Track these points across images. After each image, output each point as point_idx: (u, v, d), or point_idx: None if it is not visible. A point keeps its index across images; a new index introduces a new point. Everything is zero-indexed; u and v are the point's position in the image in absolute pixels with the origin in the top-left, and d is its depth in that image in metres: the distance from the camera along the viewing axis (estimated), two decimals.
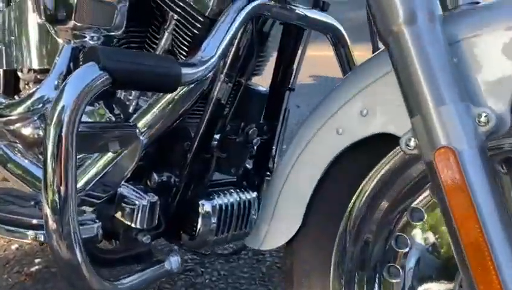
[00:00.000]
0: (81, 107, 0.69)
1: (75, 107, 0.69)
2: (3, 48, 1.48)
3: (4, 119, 1.24)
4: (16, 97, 1.44)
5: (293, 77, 1.09)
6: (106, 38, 1.02)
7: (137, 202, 0.94)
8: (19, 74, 1.56)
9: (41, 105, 1.24)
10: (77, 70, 0.71)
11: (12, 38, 1.51)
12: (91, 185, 0.93)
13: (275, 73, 1.09)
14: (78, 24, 0.99)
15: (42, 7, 1.09)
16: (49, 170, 0.69)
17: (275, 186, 0.82)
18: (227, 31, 0.86)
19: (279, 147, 1.14)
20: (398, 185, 0.77)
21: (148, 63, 0.75)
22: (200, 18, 0.95)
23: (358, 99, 0.74)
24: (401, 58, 0.65)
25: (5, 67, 1.50)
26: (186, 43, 1.00)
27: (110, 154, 0.94)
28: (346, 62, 1.14)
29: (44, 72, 1.48)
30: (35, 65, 1.45)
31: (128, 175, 0.92)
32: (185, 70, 0.79)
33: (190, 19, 0.96)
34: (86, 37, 1.02)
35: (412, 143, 0.67)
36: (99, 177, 0.93)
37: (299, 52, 1.08)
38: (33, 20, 1.44)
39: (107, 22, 1.00)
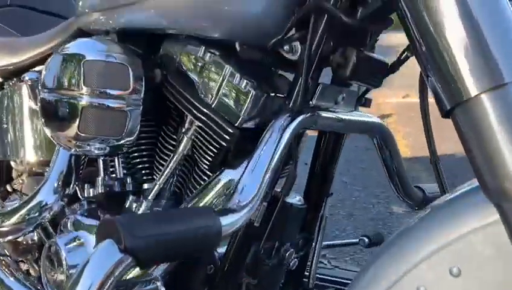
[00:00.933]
0: None
1: None
2: None
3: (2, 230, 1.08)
4: (10, 197, 1.27)
5: (331, 182, 0.94)
6: (114, 148, 0.87)
7: None
8: (12, 163, 1.41)
9: (37, 213, 1.08)
10: (94, 254, 0.56)
11: (5, 126, 1.36)
12: None
13: (310, 181, 0.94)
14: (82, 135, 0.83)
15: (40, 105, 0.94)
16: None
17: None
18: (270, 161, 0.71)
19: (315, 259, 0.98)
20: None
21: (179, 226, 0.59)
22: (228, 128, 0.80)
23: (447, 253, 0.58)
24: None
25: None
26: (211, 153, 0.85)
27: None
28: (393, 168, 0.98)
29: (40, 164, 1.32)
30: (30, 157, 1.30)
31: None
32: (225, 221, 0.65)
33: (216, 128, 0.81)
34: (90, 148, 0.86)
35: None
36: None
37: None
38: (28, 107, 1.30)
39: (117, 132, 0.84)
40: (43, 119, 0.93)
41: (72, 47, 0.90)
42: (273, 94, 0.83)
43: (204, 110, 0.85)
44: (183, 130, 0.93)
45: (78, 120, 0.85)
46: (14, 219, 1.07)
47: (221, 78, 0.84)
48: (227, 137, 0.83)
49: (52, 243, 0.97)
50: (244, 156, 0.84)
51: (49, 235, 1.16)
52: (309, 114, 0.78)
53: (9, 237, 1.08)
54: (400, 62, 0.83)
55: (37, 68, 1.30)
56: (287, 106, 0.79)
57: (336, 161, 0.97)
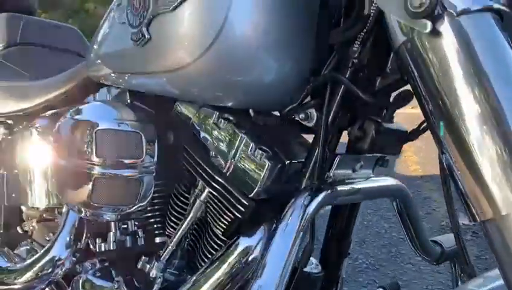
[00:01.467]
0: None
1: None
2: (6, 184, 1.32)
3: (7, 288, 1.07)
4: (21, 243, 1.26)
5: (349, 245, 0.91)
6: (126, 215, 0.85)
7: None
8: (22, 207, 1.39)
9: (50, 270, 1.06)
10: None
11: (15, 171, 1.35)
12: None
13: (327, 243, 0.92)
14: (94, 204, 0.81)
15: (51, 167, 0.93)
16: None
17: None
18: (293, 243, 0.69)
19: None
20: None
21: None
22: (242, 200, 0.78)
23: None
24: None
25: (6, 203, 1.34)
26: (225, 221, 0.84)
27: None
28: (411, 226, 0.96)
29: (51, 211, 1.31)
30: (40, 204, 1.29)
31: None
32: None
33: (230, 198, 0.80)
34: (101, 215, 0.85)
35: None
36: None
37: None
38: (38, 154, 1.29)
39: (129, 200, 0.83)
40: (53, 180, 0.92)
41: (84, 112, 0.89)
42: (289, 162, 0.81)
43: (218, 178, 0.83)
44: (196, 192, 0.91)
45: (89, 189, 0.83)
46: (27, 276, 1.06)
47: (235, 147, 0.82)
48: (241, 208, 0.81)
49: None
50: (260, 224, 0.82)
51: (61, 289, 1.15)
52: (329, 191, 0.75)
53: None
54: (419, 132, 0.81)
55: (47, 114, 1.29)
56: (305, 179, 0.77)
57: (353, 222, 0.94)
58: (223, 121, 0.84)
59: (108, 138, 0.83)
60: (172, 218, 0.98)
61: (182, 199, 0.96)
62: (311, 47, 0.77)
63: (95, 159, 0.83)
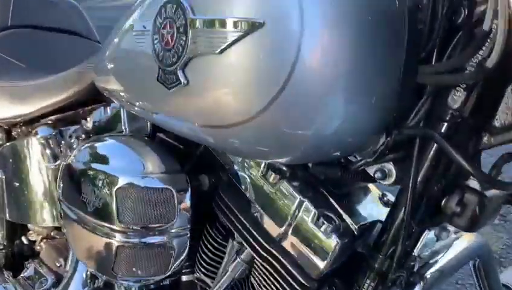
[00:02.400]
0: None
1: None
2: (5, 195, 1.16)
3: None
4: (27, 266, 1.12)
5: None
6: (155, 284, 0.71)
7: None
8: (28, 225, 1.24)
9: None
10: None
11: (16, 184, 1.19)
12: None
13: None
14: (118, 275, 0.67)
15: (64, 224, 0.78)
16: None
17: None
18: None
19: None
20: None
21: None
22: (302, 280, 0.64)
23: None
24: None
25: (8, 218, 1.19)
26: None
27: None
28: (488, 286, 0.81)
29: (57, 229, 1.15)
30: (46, 223, 1.14)
31: None
32: None
33: (285, 274, 0.65)
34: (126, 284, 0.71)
35: None
36: None
37: None
38: (41, 167, 1.13)
39: (159, 271, 0.68)
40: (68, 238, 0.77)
41: (98, 157, 0.72)
42: (359, 231, 0.66)
43: (268, 247, 0.67)
44: (235, 245, 0.76)
45: (111, 259, 0.68)
46: None
47: (292, 212, 0.65)
48: (297, 287, 0.66)
49: None
50: None
51: None
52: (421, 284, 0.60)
53: None
54: None
55: (49, 120, 1.12)
56: (381, 258, 0.61)
57: None
58: (273, 174, 0.67)
59: (131, 198, 0.66)
60: (206, 261, 0.83)
61: (218, 245, 0.81)
62: (395, 90, 0.59)
63: (115, 224, 0.66)
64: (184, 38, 0.56)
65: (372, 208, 0.74)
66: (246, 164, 0.70)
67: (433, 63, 0.58)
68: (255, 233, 0.69)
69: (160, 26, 0.60)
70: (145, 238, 0.67)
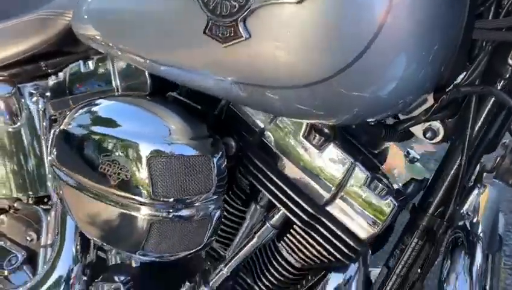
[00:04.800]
0: None
1: None
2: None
3: None
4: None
5: None
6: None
7: None
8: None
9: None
10: None
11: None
12: None
13: None
14: (149, 253, 0.62)
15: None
16: None
17: None
18: None
19: None
20: None
21: None
22: (350, 242, 0.65)
23: None
24: None
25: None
26: (314, 258, 0.71)
27: None
28: None
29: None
30: (6, 194, 1.01)
31: None
32: None
33: (332, 239, 0.63)
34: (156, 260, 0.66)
35: None
36: None
37: None
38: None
39: (194, 245, 0.64)
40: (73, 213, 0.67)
41: (117, 116, 0.62)
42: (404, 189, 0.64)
43: (315, 213, 0.64)
44: (259, 210, 0.71)
45: (143, 236, 0.60)
46: None
47: (341, 176, 0.62)
48: (346, 251, 0.64)
49: None
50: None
51: None
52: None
53: None
54: None
55: (4, 75, 0.96)
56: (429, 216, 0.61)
57: None
58: (317, 136, 0.63)
59: (167, 168, 0.58)
60: (221, 228, 0.78)
61: (236, 210, 0.76)
62: (454, 46, 0.56)
63: (147, 197, 0.59)
64: None
65: (402, 166, 0.73)
66: (281, 125, 0.65)
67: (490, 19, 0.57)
68: (296, 198, 0.65)
69: None
70: (180, 211, 0.60)
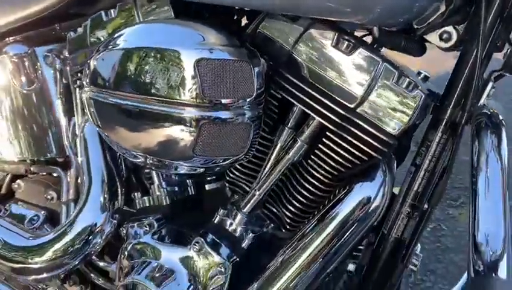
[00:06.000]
0: None
1: None
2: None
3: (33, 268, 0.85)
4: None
5: None
6: (221, 168, 0.76)
7: None
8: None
9: (84, 242, 0.84)
10: None
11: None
12: None
13: None
14: (197, 157, 0.66)
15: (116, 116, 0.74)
16: None
17: None
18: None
19: None
20: None
21: None
22: (382, 137, 0.71)
23: None
24: None
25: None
26: (346, 163, 0.76)
27: None
28: None
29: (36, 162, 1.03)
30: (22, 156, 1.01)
31: None
32: None
33: (364, 136, 0.70)
34: (195, 170, 0.72)
35: None
36: None
37: None
38: (16, 92, 1.00)
39: (237, 150, 0.69)
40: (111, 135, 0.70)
41: (155, 33, 0.66)
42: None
43: (346, 114, 0.69)
44: (289, 130, 0.75)
45: (194, 139, 0.63)
46: (55, 250, 0.82)
47: (371, 76, 0.67)
48: (382, 148, 0.69)
49: (130, 283, 0.77)
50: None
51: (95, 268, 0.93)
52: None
53: (44, 276, 0.84)
54: None
55: (18, 37, 0.98)
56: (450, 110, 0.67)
57: None
58: (346, 43, 0.68)
59: (215, 70, 0.62)
60: (250, 164, 0.81)
61: (263, 140, 0.79)
62: None
63: (197, 99, 0.62)
64: None
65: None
66: (310, 42, 0.70)
67: None
68: (328, 102, 0.69)
69: None
70: (226, 112, 0.64)
